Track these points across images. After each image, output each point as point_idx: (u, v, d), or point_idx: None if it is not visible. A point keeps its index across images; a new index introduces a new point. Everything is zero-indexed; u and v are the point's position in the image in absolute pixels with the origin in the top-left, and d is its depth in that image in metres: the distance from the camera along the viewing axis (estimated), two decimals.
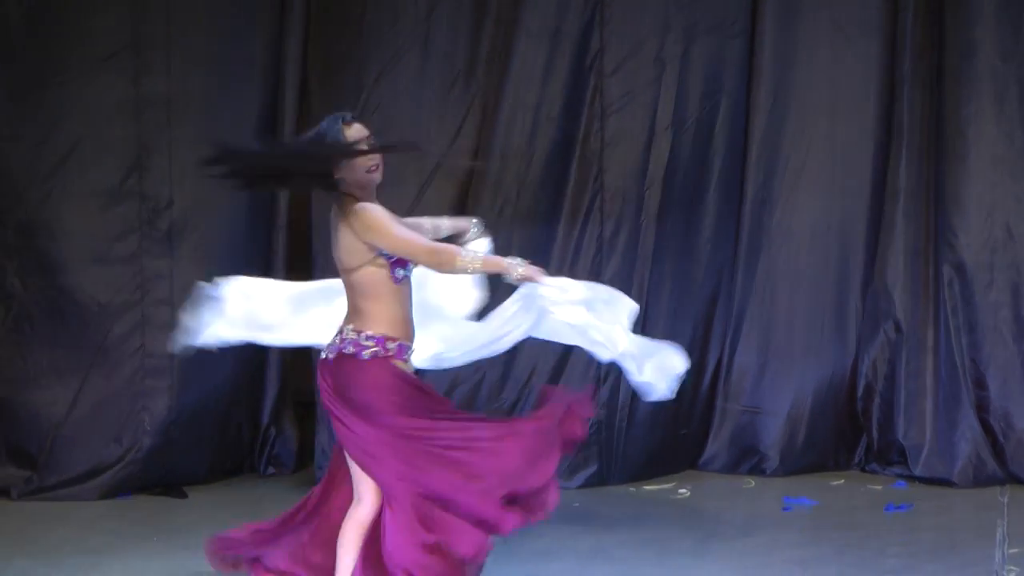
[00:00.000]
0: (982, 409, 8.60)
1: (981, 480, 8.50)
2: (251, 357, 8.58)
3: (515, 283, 5.76)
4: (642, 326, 8.29)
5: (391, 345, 5.77)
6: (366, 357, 5.75)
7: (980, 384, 8.61)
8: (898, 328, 8.67)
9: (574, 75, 8.46)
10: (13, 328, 8.31)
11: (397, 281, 5.75)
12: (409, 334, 5.84)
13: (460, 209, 8.39)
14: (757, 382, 8.79)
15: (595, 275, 8.43)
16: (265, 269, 8.59)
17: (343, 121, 5.81)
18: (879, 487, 8.47)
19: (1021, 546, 7.27)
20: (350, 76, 8.56)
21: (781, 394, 8.77)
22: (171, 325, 7.97)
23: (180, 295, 8.08)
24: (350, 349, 5.76)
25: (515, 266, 5.69)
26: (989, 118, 8.54)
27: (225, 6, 8.43)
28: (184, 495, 8.37)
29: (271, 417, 8.80)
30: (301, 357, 8.61)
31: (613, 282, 8.09)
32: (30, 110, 8.18)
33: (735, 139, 8.72)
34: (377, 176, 5.86)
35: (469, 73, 8.53)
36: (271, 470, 8.80)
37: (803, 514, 8.03)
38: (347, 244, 5.77)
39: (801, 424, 8.76)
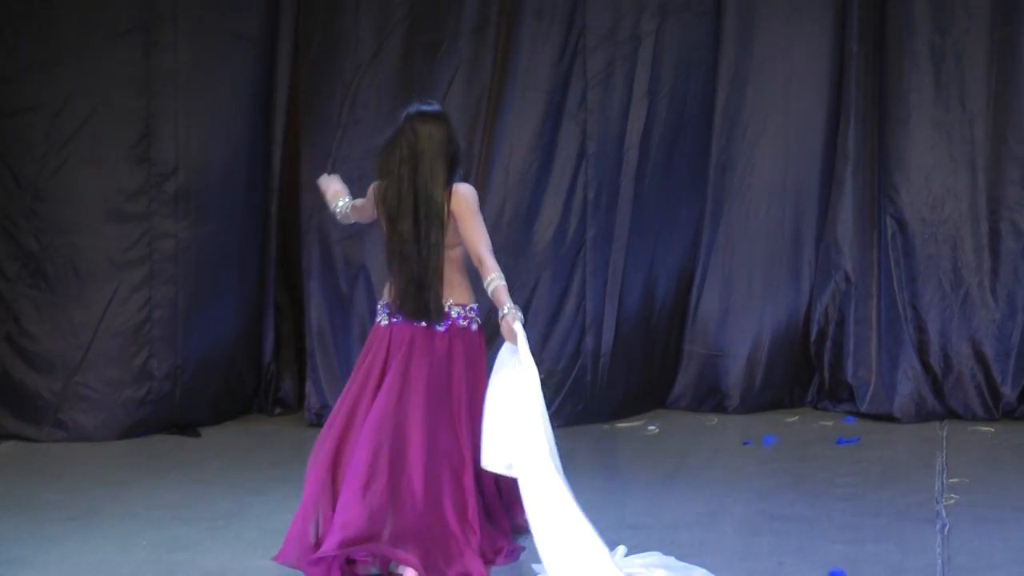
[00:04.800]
0: (923, 351, 8.74)
1: (922, 415, 8.64)
2: (251, 307, 8.78)
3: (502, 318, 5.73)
4: (622, 277, 8.55)
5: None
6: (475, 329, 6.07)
7: (921, 328, 8.76)
8: (847, 278, 8.78)
9: (560, 51, 8.52)
10: (31, 284, 8.34)
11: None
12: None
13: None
14: (720, 327, 8.86)
15: (581, 231, 8.52)
16: (262, 229, 8.81)
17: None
18: (830, 423, 8.61)
19: (959, 475, 7.40)
20: (341, 52, 8.61)
21: (741, 338, 8.86)
22: (176, 279, 8.38)
23: (184, 252, 8.41)
24: (463, 323, 6.02)
25: (511, 313, 5.70)
26: (928, 87, 8.65)
27: None
28: (198, 434, 8.45)
29: (272, 361, 8.86)
30: (297, 304, 8.91)
31: (596, 239, 8.43)
32: (48, 82, 8.20)
33: (704, 107, 8.79)
34: None
35: (456, 47, 8.57)
36: (278, 410, 8.87)
37: (762, 448, 8.06)
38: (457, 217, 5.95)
39: (759, 366, 8.85)
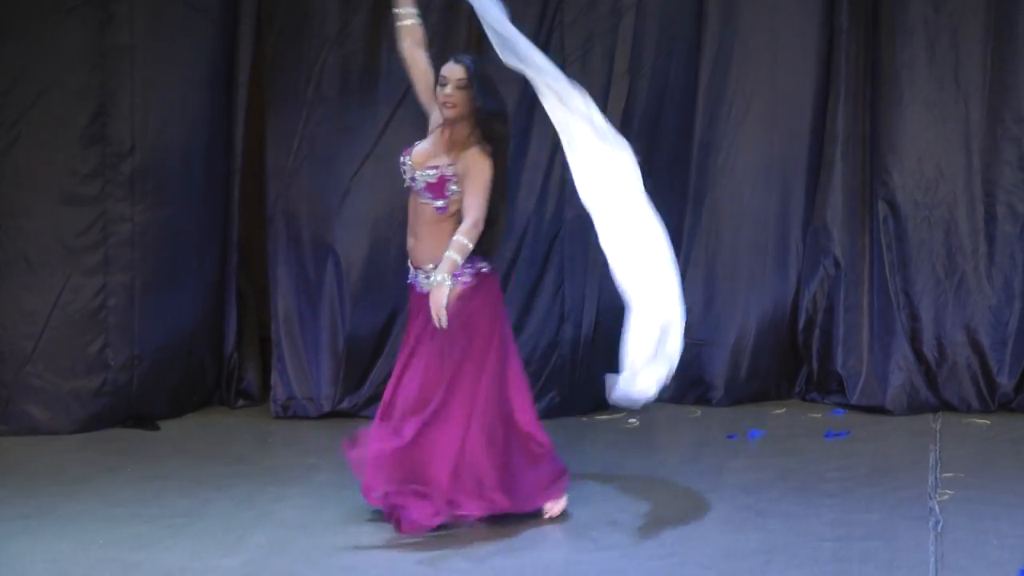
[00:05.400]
0: (915, 340, 8.72)
1: (915, 407, 8.62)
2: (211, 294, 8.74)
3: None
4: (602, 262, 8.43)
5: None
6: None
7: (913, 316, 8.73)
8: (837, 263, 8.76)
9: (536, 25, 8.46)
10: None
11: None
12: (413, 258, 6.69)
13: None
14: (703, 316, 8.80)
15: (559, 216, 8.59)
16: (223, 213, 8.75)
17: (453, 58, 6.61)
18: (818, 415, 8.58)
19: (953, 470, 7.40)
20: (306, 28, 8.57)
21: (726, 327, 8.83)
22: (133, 265, 8.31)
23: (141, 236, 8.34)
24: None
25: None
26: (921, 65, 8.63)
27: None
28: (156, 428, 8.38)
29: (235, 350, 8.81)
30: (260, 291, 8.92)
31: (575, 221, 8.38)
32: None
33: (687, 85, 8.78)
34: (448, 112, 6.56)
35: (427, 23, 8.46)
36: (241, 403, 8.81)
37: (747, 441, 8.08)
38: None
39: (745, 356, 8.82)
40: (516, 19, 8.26)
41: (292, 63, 8.64)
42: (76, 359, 8.28)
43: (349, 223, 8.62)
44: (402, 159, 6.70)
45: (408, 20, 6.79)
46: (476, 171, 6.53)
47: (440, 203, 6.58)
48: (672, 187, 8.78)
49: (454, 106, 6.57)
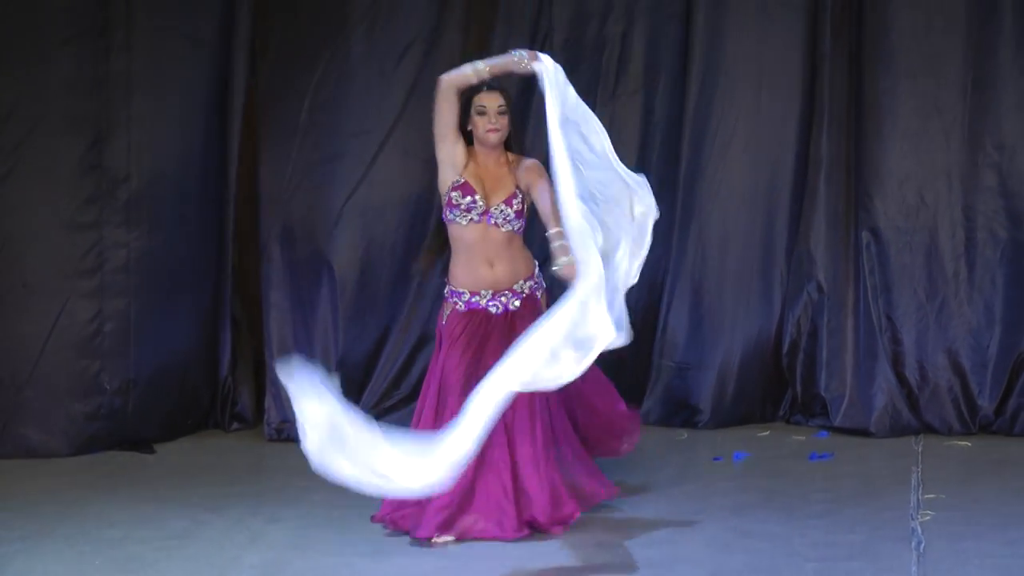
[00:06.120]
0: (898, 363, 8.69)
1: (897, 430, 8.58)
2: (206, 319, 8.74)
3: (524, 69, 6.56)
4: None
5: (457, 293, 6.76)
6: None
7: (896, 340, 8.71)
8: (820, 288, 8.73)
9: None
10: None
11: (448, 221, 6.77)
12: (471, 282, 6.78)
13: (415, 183, 8.60)
14: (690, 339, 8.83)
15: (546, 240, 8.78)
16: (218, 238, 8.77)
17: (486, 86, 6.59)
18: (803, 437, 8.56)
19: (935, 491, 7.37)
20: (299, 56, 8.60)
21: (712, 351, 8.80)
22: (128, 290, 8.31)
23: (137, 262, 8.35)
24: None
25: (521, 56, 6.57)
26: (902, 92, 8.62)
27: None
28: (152, 450, 8.36)
29: (229, 375, 8.79)
30: (254, 316, 8.90)
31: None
32: None
33: (673, 112, 8.78)
34: (492, 137, 6.63)
35: (419, 51, 8.59)
36: (235, 426, 8.80)
37: (733, 463, 8.04)
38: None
39: (730, 379, 8.80)
40: (504, 48, 8.20)
41: (285, 92, 8.65)
42: (73, 383, 8.27)
43: (342, 248, 8.64)
44: (470, 200, 6.72)
45: (477, 79, 6.75)
46: (539, 178, 6.70)
47: (519, 223, 6.78)
48: (660, 212, 8.78)
49: (498, 131, 6.72)
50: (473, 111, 6.72)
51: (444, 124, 6.73)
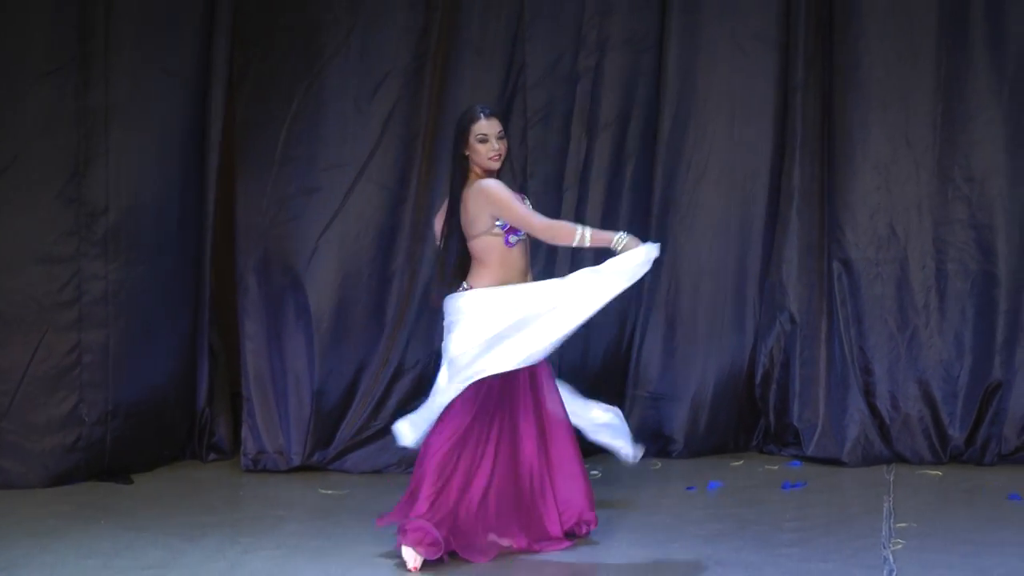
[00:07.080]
0: (869, 393, 8.71)
1: (869, 459, 8.62)
2: (184, 350, 8.73)
3: (619, 251, 6.74)
4: None
5: None
6: None
7: (867, 370, 8.72)
8: (792, 319, 8.79)
9: (500, 88, 8.56)
10: None
11: (510, 245, 6.85)
12: None
13: (390, 215, 8.61)
14: (663, 370, 8.84)
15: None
16: (195, 270, 8.77)
17: (482, 113, 6.72)
18: (775, 467, 8.60)
19: (907, 520, 7.39)
20: (274, 90, 8.60)
21: (685, 381, 8.83)
22: (107, 322, 8.32)
23: (115, 294, 8.34)
24: None
25: (621, 239, 6.74)
26: (873, 124, 8.65)
27: (159, 23, 8.41)
28: (130, 481, 8.36)
29: (206, 406, 8.79)
30: (231, 348, 8.92)
31: (536, 279, 8.29)
32: None
33: (646, 144, 8.81)
34: (496, 163, 6.77)
35: (394, 84, 8.58)
36: (212, 456, 8.80)
37: (706, 493, 8.04)
38: (471, 215, 6.80)
39: (704, 409, 8.82)
40: (479, 84, 8.47)
41: (261, 125, 8.65)
42: (51, 415, 8.26)
43: (318, 281, 8.63)
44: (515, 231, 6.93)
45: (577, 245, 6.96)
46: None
47: (514, 237, 6.95)
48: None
49: (500, 156, 6.88)
50: (473, 139, 6.82)
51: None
